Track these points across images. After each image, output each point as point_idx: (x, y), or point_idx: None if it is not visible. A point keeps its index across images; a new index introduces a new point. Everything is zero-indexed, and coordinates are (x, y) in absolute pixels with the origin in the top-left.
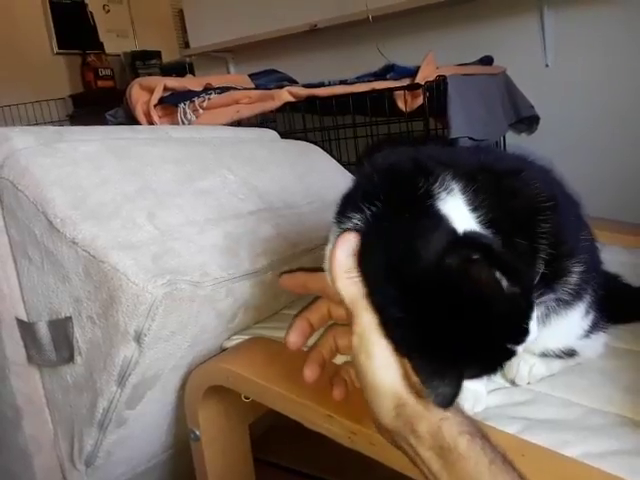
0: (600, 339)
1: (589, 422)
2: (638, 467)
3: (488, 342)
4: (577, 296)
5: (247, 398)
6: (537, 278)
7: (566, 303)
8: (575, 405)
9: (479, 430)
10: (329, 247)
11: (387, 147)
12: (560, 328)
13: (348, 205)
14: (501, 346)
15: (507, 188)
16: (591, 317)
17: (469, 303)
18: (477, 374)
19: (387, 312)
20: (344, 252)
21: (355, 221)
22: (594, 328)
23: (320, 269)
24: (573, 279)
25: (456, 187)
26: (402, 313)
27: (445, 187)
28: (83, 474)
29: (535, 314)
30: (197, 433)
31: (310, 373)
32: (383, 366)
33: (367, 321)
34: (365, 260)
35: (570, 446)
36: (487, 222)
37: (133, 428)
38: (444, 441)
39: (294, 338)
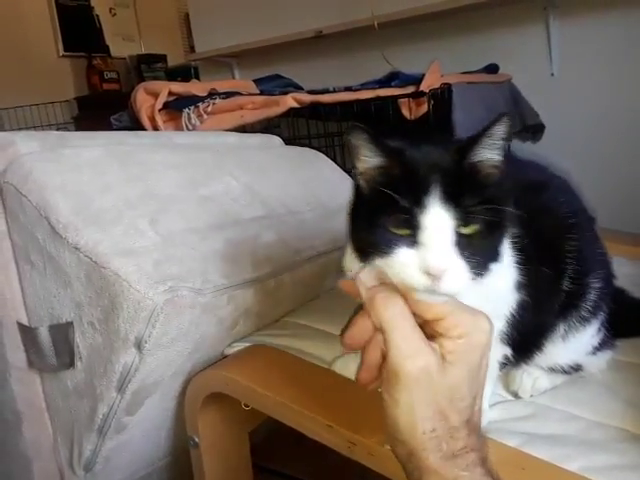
0: (605, 356)
1: (590, 436)
2: None
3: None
4: (593, 313)
5: (247, 406)
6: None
7: (584, 320)
8: (576, 418)
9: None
10: None
11: None
12: (573, 344)
13: None
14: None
15: (537, 204)
16: (601, 334)
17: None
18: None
19: None
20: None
21: None
22: (602, 346)
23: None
24: (592, 296)
25: None
26: None
27: None
28: (82, 479)
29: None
30: (196, 440)
31: (366, 375)
32: (404, 413)
33: (395, 356)
34: None
35: (571, 460)
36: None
37: (132, 434)
38: None
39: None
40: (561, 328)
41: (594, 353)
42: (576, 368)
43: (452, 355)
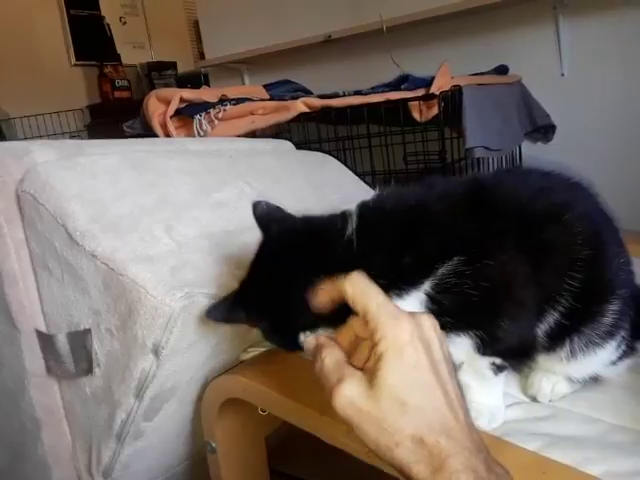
0: (625, 364)
1: (612, 439)
2: None
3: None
4: (609, 335)
5: (264, 411)
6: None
7: (596, 344)
8: (597, 421)
9: None
10: None
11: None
12: (586, 364)
13: None
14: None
15: (541, 240)
16: (621, 348)
17: None
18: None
19: None
20: None
21: None
22: (622, 357)
23: None
24: (607, 320)
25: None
26: None
27: None
28: None
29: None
30: (213, 445)
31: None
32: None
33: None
34: None
35: (592, 464)
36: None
37: (150, 440)
38: None
39: None
40: (562, 352)
41: (614, 364)
42: (594, 378)
43: (380, 361)
